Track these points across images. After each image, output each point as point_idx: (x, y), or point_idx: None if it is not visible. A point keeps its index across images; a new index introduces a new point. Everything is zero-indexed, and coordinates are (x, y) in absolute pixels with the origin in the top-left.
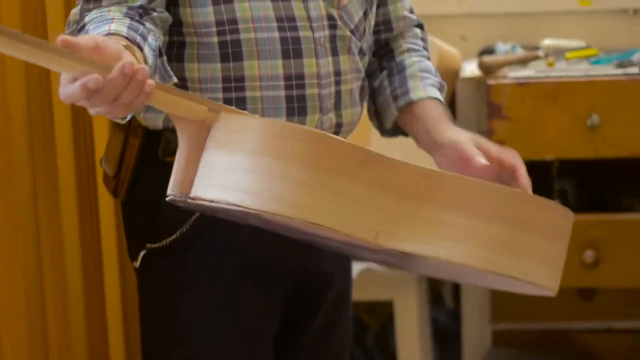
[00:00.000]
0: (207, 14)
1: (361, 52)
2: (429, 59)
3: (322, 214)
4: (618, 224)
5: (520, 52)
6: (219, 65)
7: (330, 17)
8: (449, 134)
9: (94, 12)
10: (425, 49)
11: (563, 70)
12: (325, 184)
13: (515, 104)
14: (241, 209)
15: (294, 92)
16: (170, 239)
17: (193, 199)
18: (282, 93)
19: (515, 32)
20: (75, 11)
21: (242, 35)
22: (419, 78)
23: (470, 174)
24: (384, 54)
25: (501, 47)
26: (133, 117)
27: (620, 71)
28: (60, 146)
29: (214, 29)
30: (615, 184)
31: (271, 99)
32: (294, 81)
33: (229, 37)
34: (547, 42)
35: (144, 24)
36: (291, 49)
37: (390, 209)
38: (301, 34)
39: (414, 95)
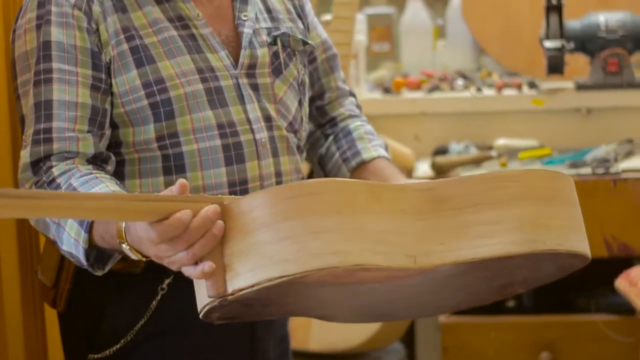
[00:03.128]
0: (148, 131)
1: (299, 149)
2: (368, 123)
3: (361, 253)
4: (574, 325)
5: (473, 152)
6: (161, 178)
7: (267, 118)
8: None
9: (57, 165)
10: (362, 114)
11: None
12: (351, 225)
13: None
14: (285, 278)
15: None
16: (114, 348)
17: (233, 294)
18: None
19: (469, 131)
20: (25, 154)
21: (185, 148)
22: (367, 140)
23: None
24: (325, 123)
25: (454, 146)
26: None
27: (572, 171)
28: (5, 258)
29: (155, 145)
30: (570, 285)
31: None
32: (238, 187)
33: (170, 151)
34: (501, 141)
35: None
36: (233, 155)
37: (414, 230)
38: (242, 138)
39: (366, 155)
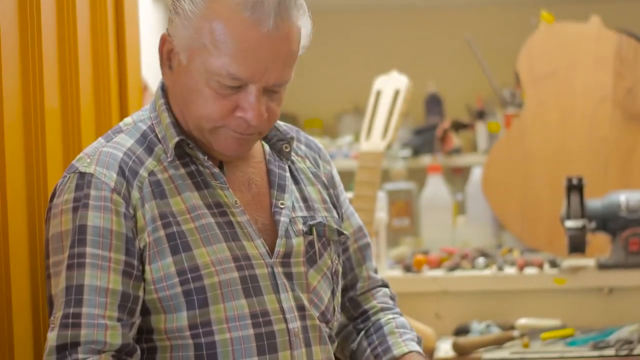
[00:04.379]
0: (181, 319)
1: (331, 338)
2: (401, 315)
3: None
4: None
5: (495, 331)
6: None
7: (300, 308)
8: None
9: (83, 359)
10: (396, 306)
11: (538, 352)
12: None
13: None
14: None
15: None
16: None
17: None
18: None
19: (490, 310)
20: (52, 337)
21: (217, 337)
22: (398, 334)
23: None
24: (357, 316)
25: (476, 325)
26: None
27: (596, 353)
28: None
29: (188, 333)
30: None
31: None
32: None
33: (203, 340)
34: (523, 321)
35: None
36: (266, 344)
37: None
38: (275, 327)
39: (396, 351)
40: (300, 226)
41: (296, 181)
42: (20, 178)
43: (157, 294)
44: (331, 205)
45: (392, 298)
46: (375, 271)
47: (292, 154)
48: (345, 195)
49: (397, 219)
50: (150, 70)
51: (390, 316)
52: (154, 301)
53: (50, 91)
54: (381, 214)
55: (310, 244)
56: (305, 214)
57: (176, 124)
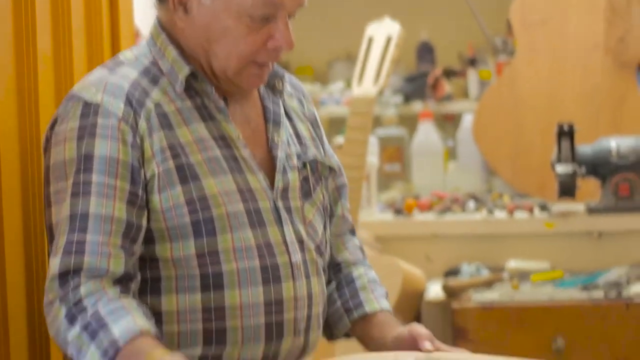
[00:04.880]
0: (188, 247)
1: (324, 271)
2: (371, 268)
3: None
4: None
5: (485, 274)
6: (199, 296)
7: (300, 241)
8: (401, 330)
9: (86, 283)
10: (365, 258)
11: (528, 293)
12: None
13: (480, 327)
14: None
15: (273, 319)
16: None
17: None
18: (262, 320)
19: (480, 253)
20: (54, 264)
21: (224, 267)
22: (370, 290)
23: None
24: (329, 267)
25: (466, 268)
26: None
27: (585, 295)
28: None
29: (196, 262)
30: None
31: (251, 329)
32: (273, 306)
33: (210, 269)
34: (512, 263)
35: (136, 297)
36: (271, 275)
37: None
38: (279, 259)
39: (368, 307)
40: (295, 161)
41: (289, 117)
42: (13, 123)
43: (165, 223)
44: (319, 143)
45: (361, 249)
46: (349, 212)
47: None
48: (325, 137)
49: (388, 165)
50: (142, 16)
51: (362, 270)
52: (162, 230)
53: (42, 37)
54: (372, 158)
55: (305, 179)
56: (299, 150)
57: (183, 56)
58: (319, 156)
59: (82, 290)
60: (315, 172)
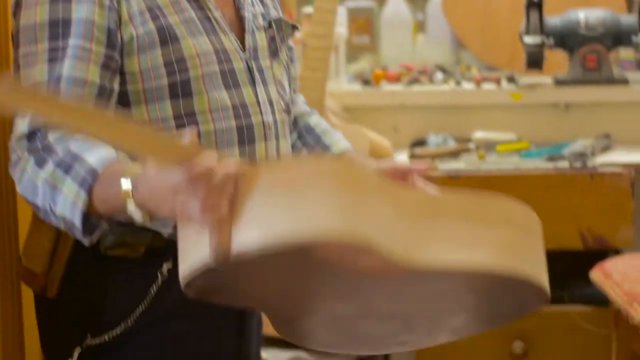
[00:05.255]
0: (165, 108)
1: (290, 131)
2: (322, 118)
3: (371, 234)
4: (548, 316)
5: (451, 144)
6: None
7: (270, 101)
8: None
9: (54, 132)
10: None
11: (494, 163)
12: (359, 206)
13: None
14: (293, 241)
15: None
16: (113, 334)
17: (239, 253)
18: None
19: (447, 124)
20: (22, 122)
21: (201, 128)
22: (330, 134)
23: None
24: None
25: (433, 138)
26: None
27: (550, 165)
28: None
29: (173, 123)
30: None
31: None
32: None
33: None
34: (479, 134)
35: None
36: (246, 136)
37: (415, 228)
38: (253, 119)
39: (335, 148)
40: (261, 21)
41: None
42: None
43: (142, 85)
44: (277, 4)
45: (305, 103)
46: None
47: None
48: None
49: (357, 36)
50: None
51: (316, 118)
52: (138, 93)
53: None
54: (341, 29)
55: (272, 39)
56: (262, 9)
57: None
58: (281, 15)
59: (51, 137)
60: (280, 31)
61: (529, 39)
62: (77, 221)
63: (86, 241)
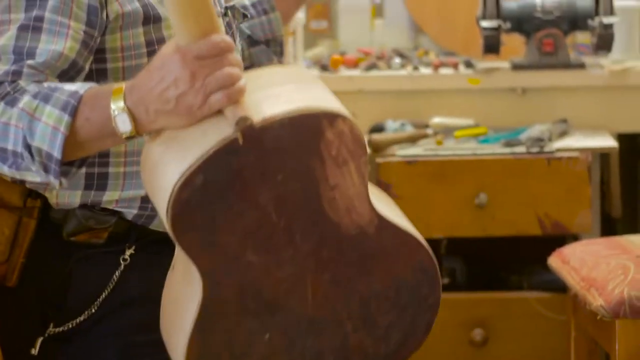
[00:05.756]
0: (137, 35)
1: None
2: None
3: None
4: (506, 303)
5: (409, 130)
6: None
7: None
8: None
9: (25, 81)
10: None
11: (451, 149)
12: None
13: (404, 182)
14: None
15: None
16: (77, 321)
17: (263, 121)
18: None
19: (406, 109)
20: None
21: None
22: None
23: None
24: None
25: (391, 124)
26: (28, 197)
27: (507, 150)
28: None
29: (145, 50)
30: (503, 263)
31: None
32: None
33: None
34: (436, 120)
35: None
36: None
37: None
38: None
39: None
40: (218, 7)
41: None
42: None
43: (122, 63)
44: None
45: None
46: None
47: None
48: None
49: (315, 21)
50: None
51: None
52: (117, 70)
53: None
54: (298, 14)
55: (229, 25)
56: None
57: None
58: (235, 2)
59: (22, 82)
60: (235, 18)
61: (486, 23)
62: (57, 151)
63: (56, 183)
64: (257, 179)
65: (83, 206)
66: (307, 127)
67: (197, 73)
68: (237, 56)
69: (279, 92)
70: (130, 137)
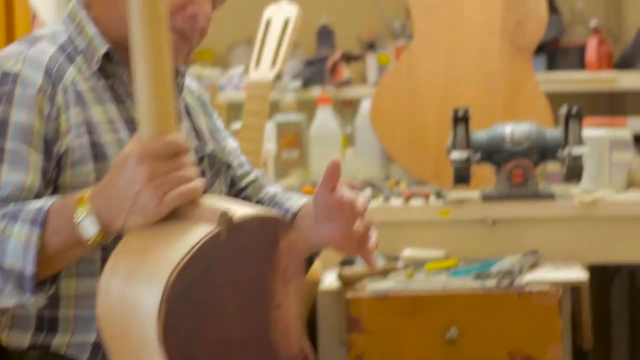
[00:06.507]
0: (88, 172)
1: None
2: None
3: None
4: None
5: (380, 262)
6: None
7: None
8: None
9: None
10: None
11: (422, 282)
12: None
13: (374, 317)
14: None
15: None
16: None
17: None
18: None
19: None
20: None
21: None
22: (288, 196)
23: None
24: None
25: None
26: None
27: (477, 284)
28: None
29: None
30: None
31: None
32: None
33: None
34: (408, 252)
35: None
36: None
37: None
38: None
39: (295, 207)
40: (193, 156)
41: (187, 112)
42: None
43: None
44: (215, 136)
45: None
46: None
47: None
48: (221, 122)
49: (287, 151)
50: None
51: (272, 188)
52: None
53: None
54: (270, 145)
55: (202, 173)
56: (196, 143)
57: (101, 35)
58: (216, 151)
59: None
60: (213, 166)
61: (456, 155)
62: (30, 265)
63: (31, 300)
64: (228, 284)
65: (34, 347)
66: (269, 232)
67: (153, 171)
68: (191, 157)
69: (232, 202)
70: (97, 241)
